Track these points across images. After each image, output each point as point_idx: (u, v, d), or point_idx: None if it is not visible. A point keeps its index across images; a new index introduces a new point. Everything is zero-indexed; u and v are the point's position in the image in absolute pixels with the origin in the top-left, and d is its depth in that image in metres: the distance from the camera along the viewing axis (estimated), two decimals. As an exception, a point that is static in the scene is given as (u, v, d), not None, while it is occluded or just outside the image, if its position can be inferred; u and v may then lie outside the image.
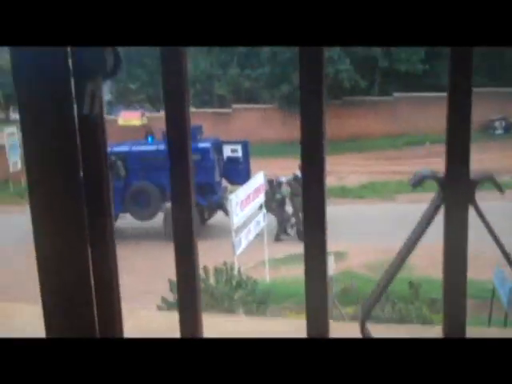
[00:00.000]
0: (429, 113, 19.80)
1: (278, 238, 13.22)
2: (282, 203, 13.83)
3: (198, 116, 19.24)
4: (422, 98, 22.73)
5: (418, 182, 1.03)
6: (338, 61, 24.33)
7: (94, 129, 1.08)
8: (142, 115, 23.83)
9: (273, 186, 13.88)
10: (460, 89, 0.95)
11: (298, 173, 14.22)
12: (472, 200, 0.97)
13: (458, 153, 0.95)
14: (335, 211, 12.74)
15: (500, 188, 1.04)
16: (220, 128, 20.45)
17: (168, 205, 13.51)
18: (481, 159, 14.38)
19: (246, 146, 14.73)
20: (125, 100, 28.53)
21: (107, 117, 22.66)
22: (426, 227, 1.04)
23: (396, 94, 23.57)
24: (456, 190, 0.96)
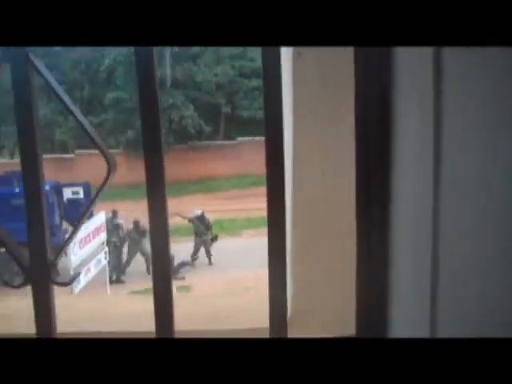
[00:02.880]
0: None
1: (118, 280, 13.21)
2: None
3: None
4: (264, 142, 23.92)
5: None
6: (181, 107, 25.12)
7: None
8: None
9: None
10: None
11: (198, 211, 14.38)
12: None
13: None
14: (184, 247, 12.93)
15: None
16: (63, 173, 19.86)
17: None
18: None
19: (87, 188, 14.71)
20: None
21: None
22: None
23: (240, 138, 24.58)
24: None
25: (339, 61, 1.48)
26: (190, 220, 14.56)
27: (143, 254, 13.73)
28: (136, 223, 14.18)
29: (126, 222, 14.91)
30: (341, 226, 1.45)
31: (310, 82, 1.51)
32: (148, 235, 1.14)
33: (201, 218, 14.80)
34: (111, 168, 1.08)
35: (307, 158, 1.52)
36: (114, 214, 15.00)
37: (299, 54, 1.46)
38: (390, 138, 1.10)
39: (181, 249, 12.33)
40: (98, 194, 1.09)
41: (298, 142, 1.49)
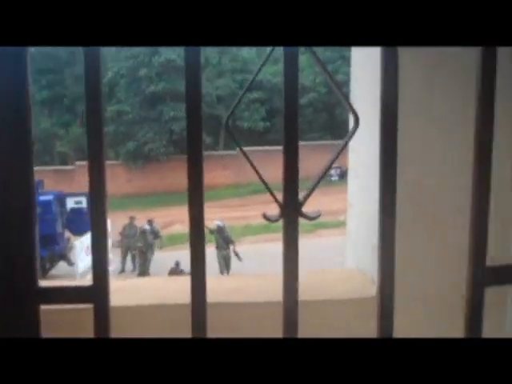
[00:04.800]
0: (271, 164, 21.03)
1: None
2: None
3: (40, 173, 18.59)
4: (264, 152, 24.10)
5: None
6: (183, 119, 25.11)
7: None
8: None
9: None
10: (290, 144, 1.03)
11: (219, 223, 14.40)
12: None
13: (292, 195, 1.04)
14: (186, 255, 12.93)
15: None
16: (64, 184, 20.01)
17: None
18: (320, 201, 15.66)
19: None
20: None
21: None
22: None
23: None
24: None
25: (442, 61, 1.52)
26: (212, 231, 13.98)
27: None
28: (150, 222, 14.68)
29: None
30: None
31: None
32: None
33: (221, 230, 14.52)
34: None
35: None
36: (150, 222, 15.49)
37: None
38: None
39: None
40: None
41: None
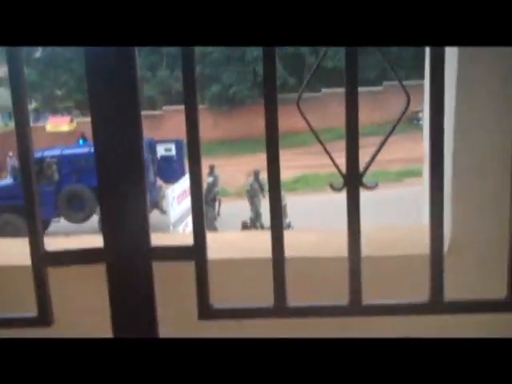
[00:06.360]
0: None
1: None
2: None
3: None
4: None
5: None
6: (265, 59, 24.86)
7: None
8: (71, 121, 23.28)
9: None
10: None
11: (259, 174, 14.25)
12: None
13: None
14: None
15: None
16: (151, 130, 20.31)
17: None
18: (410, 147, 15.16)
19: (179, 145, 14.77)
20: (51, 107, 27.74)
21: (34, 124, 21.95)
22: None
23: (324, 90, 24.14)
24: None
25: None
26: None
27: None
28: (256, 174, 14.18)
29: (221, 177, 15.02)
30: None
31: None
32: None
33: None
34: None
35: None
36: (211, 169, 14.77)
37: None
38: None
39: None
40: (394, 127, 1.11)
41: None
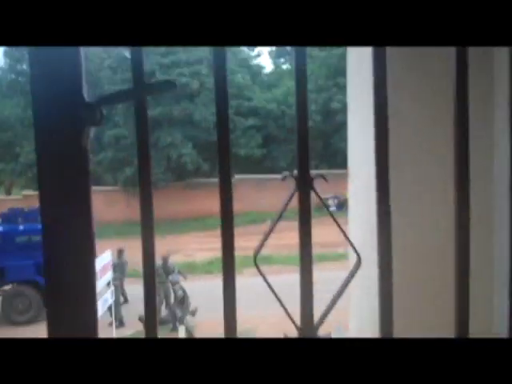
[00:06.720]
0: (268, 192, 21.53)
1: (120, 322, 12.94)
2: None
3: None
4: (261, 180, 24.59)
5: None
6: (180, 145, 25.46)
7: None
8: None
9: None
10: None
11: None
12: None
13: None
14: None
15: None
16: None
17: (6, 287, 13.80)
18: (318, 233, 15.68)
19: None
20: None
21: None
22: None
23: (237, 176, 25.00)
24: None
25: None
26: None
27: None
28: (165, 260, 13.65)
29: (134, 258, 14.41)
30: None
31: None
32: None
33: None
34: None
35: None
36: (120, 252, 14.33)
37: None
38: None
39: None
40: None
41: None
